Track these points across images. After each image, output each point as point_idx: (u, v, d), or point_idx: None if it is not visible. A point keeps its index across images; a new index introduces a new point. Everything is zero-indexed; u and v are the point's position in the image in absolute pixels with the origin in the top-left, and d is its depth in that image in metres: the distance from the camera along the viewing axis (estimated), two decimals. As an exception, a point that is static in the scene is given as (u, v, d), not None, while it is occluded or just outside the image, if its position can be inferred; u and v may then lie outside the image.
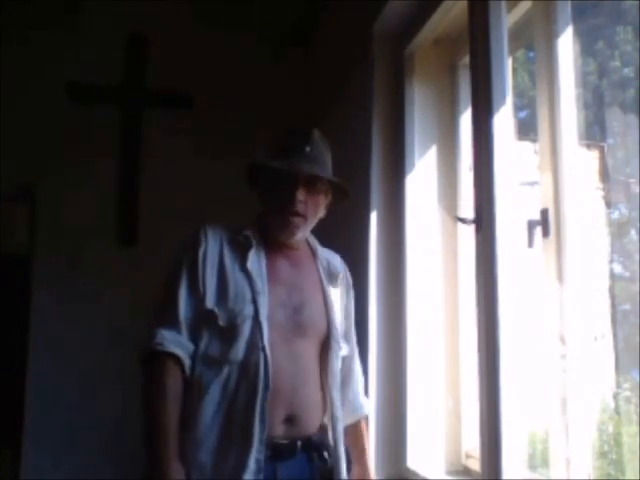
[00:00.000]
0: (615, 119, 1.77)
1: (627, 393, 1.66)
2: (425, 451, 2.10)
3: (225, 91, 3.40)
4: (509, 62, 1.79)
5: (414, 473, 2.08)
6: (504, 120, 1.71)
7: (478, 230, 1.74)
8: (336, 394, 1.65)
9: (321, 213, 1.72)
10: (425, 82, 2.31)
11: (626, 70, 1.76)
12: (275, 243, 1.69)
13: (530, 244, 1.65)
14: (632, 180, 1.65)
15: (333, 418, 1.63)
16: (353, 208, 2.47)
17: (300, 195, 1.63)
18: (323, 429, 1.65)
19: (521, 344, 1.64)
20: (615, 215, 1.82)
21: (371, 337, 2.23)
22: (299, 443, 1.57)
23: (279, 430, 1.54)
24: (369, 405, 1.89)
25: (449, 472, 2.08)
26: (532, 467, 1.76)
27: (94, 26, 3.37)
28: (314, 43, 3.42)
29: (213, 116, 3.39)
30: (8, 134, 3.16)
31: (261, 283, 1.60)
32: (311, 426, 1.60)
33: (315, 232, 1.78)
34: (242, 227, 1.68)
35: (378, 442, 2.19)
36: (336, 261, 1.81)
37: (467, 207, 2.07)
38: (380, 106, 2.40)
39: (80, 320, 3.16)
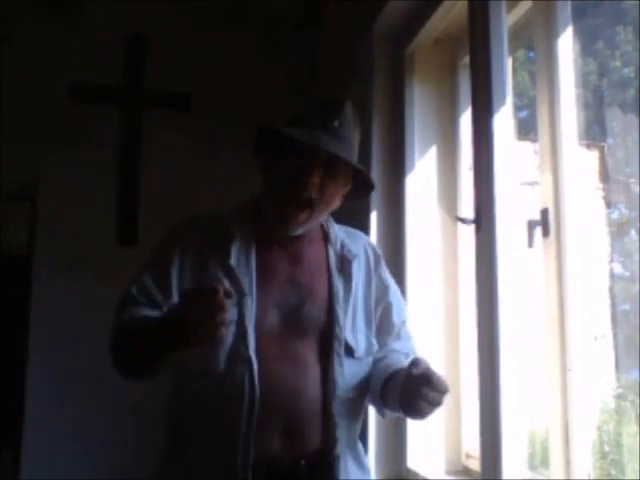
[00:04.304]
0: (615, 119, 1.77)
1: (627, 393, 1.66)
2: (425, 451, 2.10)
3: (225, 91, 3.40)
4: (509, 62, 1.79)
5: (414, 473, 2.08)
6: (504, 120, 1.71)
7: (478, 230, 1.74)
8: (338, 407, 1.38)
9: (335, 205, 1.43)
10: (425, 82, 2.31)
11: (626, 70, 1.76)
12: (271, 234, 1.43)
13: (530, 244, 1.65)
14: (632, 180, 1.65)
15: (330, 439, 1.37)
16: (353, 208, 2.47)
17: (316, 177, 1.33)
18: (326, 452, 1.38)
19: (521, 344, 1.64)
20: (615, 215, 1.82)
21: (371, 337, 2.22)
22: (303, 462, 1.35)
23: (276, 448, 1.34)
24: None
25: (449, 472, 2.08)
26: (532, 467, 1.76)
27: (94, 26, 3.37)
28: (314, 43, 3.42)
29: (213, 116, 3.39)
30: (8, 134, 3.15)
31: (248, 282, 1.36)
32: (314, 441, 1.37)
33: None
34: (229, 214, 1.46)
35: (378, 442, 2.19)
36: (355, 242, 1.52)
37: (467, 207, 2.08)
38: (380, 106, 2.40)
39: (80, 320, 3.16)
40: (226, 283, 1.34)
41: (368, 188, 1.48)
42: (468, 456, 2.07)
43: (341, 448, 1.38)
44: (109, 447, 3.04)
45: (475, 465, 1.95)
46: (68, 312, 3.18)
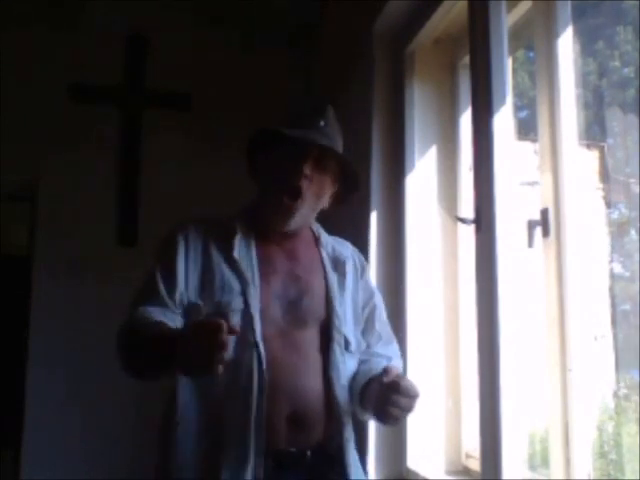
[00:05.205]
0: (615, 119, 1.77)
1: (627, 393, 1.66)
2: (425, 451, 2.10)
3: (225, 91, 3.40)
4: (509, 62, 1.79)
5: (414, 473, 2.08)
6: (504, 120, 1.71)
7: (478, 230, 1.74)
8: (341, 392, 1.44)
9: (324, 201, 1.51)
10: (425, 82, 2.31)
11: (626, 70, 1.76)
12: (268, 231, 1.50)
13: (530, 244, 1.65)
14: (632, 180, 1.65)
15: (338, 424, 1.43)
16: (353, 208, 2.47)
17: (307, 169, 1.41)
18: (333, 437, 1.44)
19: (521, 344, 1.64)
20: (615, 215, 1.82)
21: (371, 337, 2.22)
22: (309, 453, 1.39)
23: (282, 435, 1.37)
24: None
25: (449, 472, 2.08)
26: (532, 467, 1.76)
27: (94, 26, 3.37)
28: (314, 43, 3.42)
29: (213, 116, 3.39)
30: (8, 134, 3.15)
31: (251, 274, 1.42)
32: (318, 428, 1.41)
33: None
34: (228, 217, 1.53)
35: (378, 442, 2.19)
36: (344, 247, 1.61)
37: (467, 207, 2.08)
38: (380, 106, 2.40)
39: (80, 320, 3.16)
40: (228, 274, 1.41)
41: (355, 185, 1.56)
42: (468, 456, 2.07)
43: (348, 432, 1.45)
44: (109, 447, 3.04)
45: (475, 465, 1.95)
46: (68, 312, 3.18)
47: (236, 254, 1.43)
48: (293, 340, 1.43)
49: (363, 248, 2.30)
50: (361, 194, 2.38)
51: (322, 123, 1.46)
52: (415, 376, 2.12)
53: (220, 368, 1.15)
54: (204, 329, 1.16)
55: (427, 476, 2.02)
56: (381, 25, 2.39)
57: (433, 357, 2.14)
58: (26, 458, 3.12)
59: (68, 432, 3.09)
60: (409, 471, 2.10)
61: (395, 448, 2.18)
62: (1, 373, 4.11)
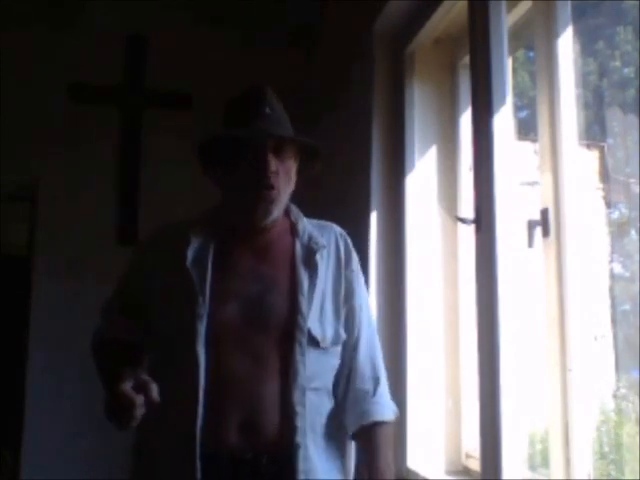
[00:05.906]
0: (615, 119, 1.77)
1: (627, 393, 1.66)
2: (425, 451, 2.10)
3: (225, 91, 3.39)
4: (509, 62, 1.79)
5: (414, 473, 2.08)
6: (504, 120, 1.71)
7: (478, 230, 1.74)
8: (298, 396, 1.38)
9: (293, 182, 1.49)
10: (425, 82, 2.31)
11: (626, 70, 1.76)
12: (239, 230, 1.49)
13: (530, 244, 1.65)
14: (632, 180, 1.65)
15: (290, 428, 1.37)
16: (353, 208, 2.48)
17: (272, 165, 1.40)
18: (287, 442, 1.38)
19: (521, 344, 1.64)
20: (615, 215, 1.82)
21: (371, 337, 2.22)
22: (264, 458, 1.36)
23: (235, 441, 1.36)
24: (385, 409, 1.56)
25: (449, 472, 2.08)
26: (532, 467, 1.76)
27: (94, 26, 3.37)
28: (314, 43, 3.42)
29: (213, 116, 3.38)
30: (8, 134, 3.15)
31: (200, 281, 1.41)
32: (275, 433, 1.37)
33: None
34: (190, 222, 1.53)
35: (378, 442, 2.19)
36: (325, 234, 1.54)
37: (467, 207, 2.08)
38: (380, 106, 2.40)
39: (80, 320, 3.15)
40: (181, 284, 1.42)
41: (315, 153, 1.53)
42: (468, 456, 2.07)
43: (301, 436, 1.38)
44: (109, 447, 3.04)
45: (475, 465, 1.95)
46: (68, 312, 3.18)
47: (188, 264, 1.43)
48: (251, 342, 1.40)
49: (363, 248, 2.31)
50: (361, 194, 2.40)
51: (267, 110, 1.47)
52: (415, 376, 2.13)
53: (134, 422, 1.26)
54: (117, 403, 1.29)
55: (427, 476, 2.02)
56: (381, 25, 2.39)
57: (433, 357, 2.14)
58: (26, 458, 3.12)
59: (68, 432, 3.09)
60: (409, 471, 2.10)
61: (395, 448, 2.18)
62: (1, 373, 4.11)
